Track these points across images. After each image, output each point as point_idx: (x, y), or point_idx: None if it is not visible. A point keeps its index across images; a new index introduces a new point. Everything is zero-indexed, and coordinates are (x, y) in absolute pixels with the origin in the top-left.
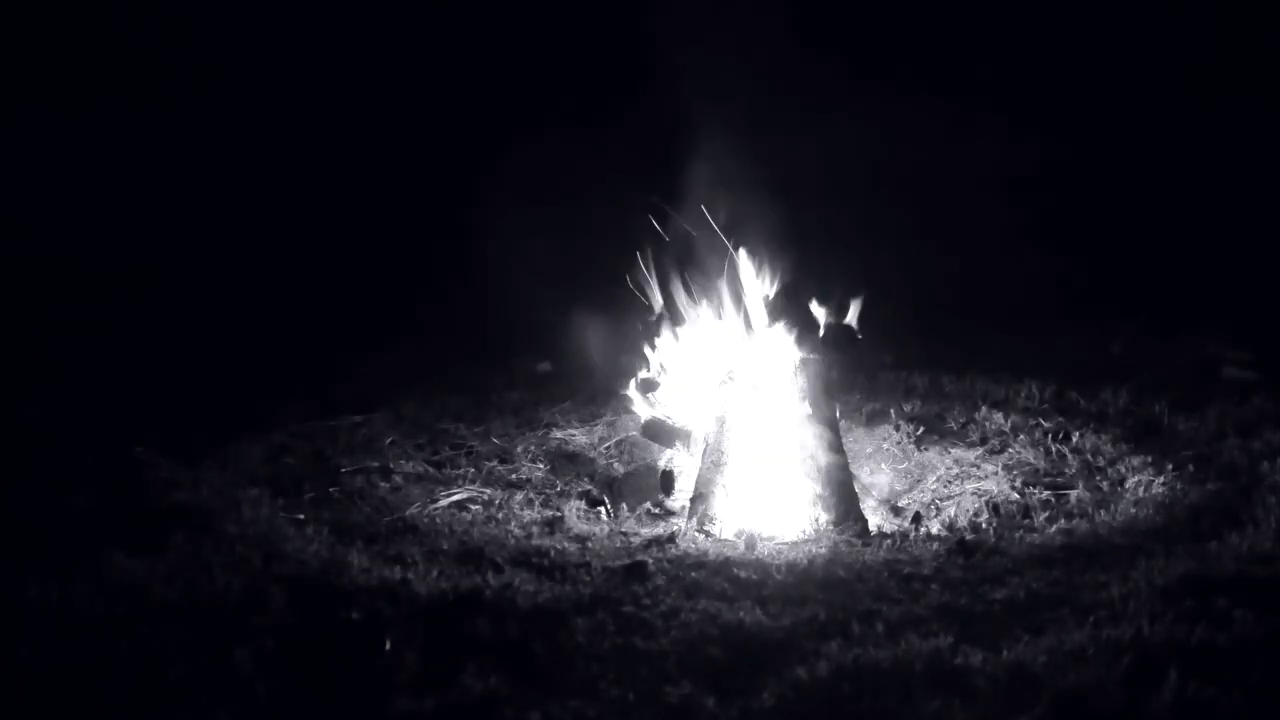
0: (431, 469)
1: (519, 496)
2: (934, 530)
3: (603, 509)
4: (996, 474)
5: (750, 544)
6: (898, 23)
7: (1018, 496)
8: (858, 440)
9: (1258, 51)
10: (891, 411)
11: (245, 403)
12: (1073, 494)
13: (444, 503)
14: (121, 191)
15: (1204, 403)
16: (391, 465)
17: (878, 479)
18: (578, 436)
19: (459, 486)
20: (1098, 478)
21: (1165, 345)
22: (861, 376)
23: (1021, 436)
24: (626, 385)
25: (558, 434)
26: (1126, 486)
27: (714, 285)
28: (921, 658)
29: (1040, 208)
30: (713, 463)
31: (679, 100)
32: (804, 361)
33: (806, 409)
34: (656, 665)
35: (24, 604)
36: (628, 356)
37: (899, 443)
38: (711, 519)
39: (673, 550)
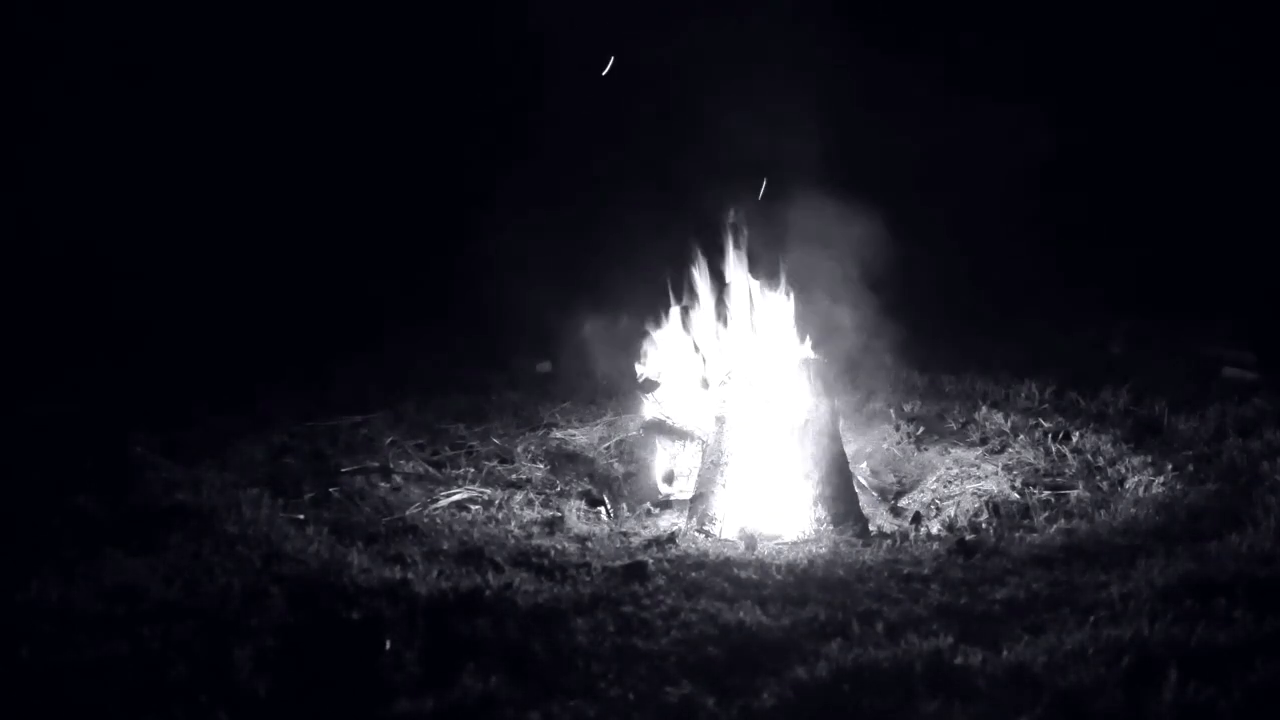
0: (431, 469)
1: (519, 496)
2: (934, 530)
3: (603, 509)
4: (996, 474)
5: (750, 544)
6: (900, 7)
7: (1018, 496)
8: (858, 440)
9: (1265, 50)
10: (891, 411)
11: (245, 402)
12: (1073, 494)
13: (444, 503)
14: (127, 191)
15: (1204, 403)
16: (391, 465)
17: (878, 479)
18: (578, 436)
19: (459, 486)
20: (1098, 478)
21: (1165, 345)
22: (861, 376)
23: (1021, 436)
24: (628, 385)
25: (558, 434)
26: (1126, 486)
27: (716, 284)
28: (921, 658)
29: (1040, 207)
30: (713, 463)
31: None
32: (804, 362)
33: (806, 409)
34: (656, 665)
35: (24, 604)
36: (628, 357)
37: (899, 443)
38: (711, 519)
39: (673, 550)
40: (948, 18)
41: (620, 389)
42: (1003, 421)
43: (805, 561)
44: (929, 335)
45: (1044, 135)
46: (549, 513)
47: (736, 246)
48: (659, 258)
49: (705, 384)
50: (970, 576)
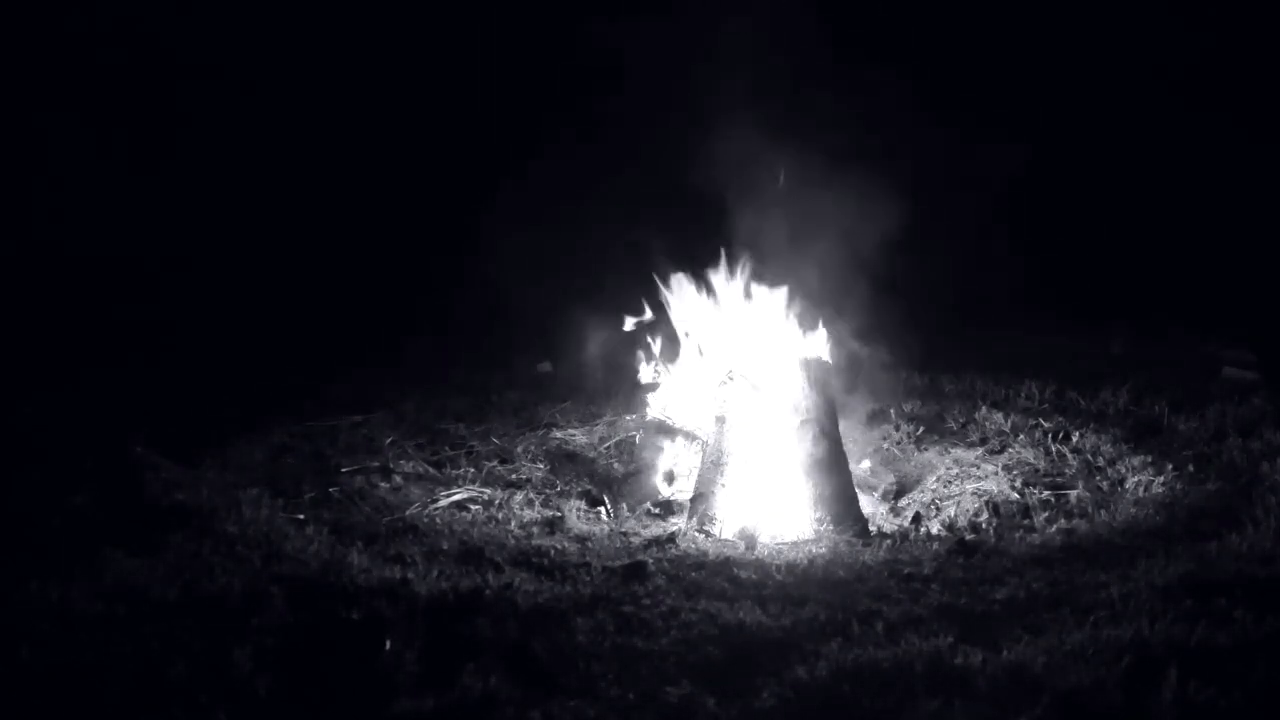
0: (431, 469)
1: (519, 496)
2: (934, 530)
3: (603, 509)
4: (996, 474)
5: (750, 544)
6: (898, 20)
7: (1018, 496)
8: (858, 440)
9: (1259, 51)
10: (891, 411)
11: (245, 403)
12: (1073, 494)
13: (444, 503)
14: (129, 193)
15: (1204, 403)
16: (391, 465)
17: (878, 479)
18: (578, 436)
19: (459, 486)
20: (1098, 478)
21: (1165, 345)
22: (861, 376)
23: (1021, 436)
24: (628, 385)
25: (558, 434)
26: (1126, 486)
27: (715, 283)
28: (921, 658)
29: (1042, 207)
30: (713, 463)
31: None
32: (804, 362)
33: (806, 409)
34: (656, 665)
35: (24, 604)
36: (628, 357)
37: (899, 443)
38: (711, 519)
39: (673, 550)
40: (936, 29)
41: (620, 389)
42: (1003, 421)
43: (805, 561)
44: (929, 335)
45: (1042, 135)
46: (549, 513)
47: (739, 247)
48: (659, 257)
49: (705, 387)
50: (970, 576)
